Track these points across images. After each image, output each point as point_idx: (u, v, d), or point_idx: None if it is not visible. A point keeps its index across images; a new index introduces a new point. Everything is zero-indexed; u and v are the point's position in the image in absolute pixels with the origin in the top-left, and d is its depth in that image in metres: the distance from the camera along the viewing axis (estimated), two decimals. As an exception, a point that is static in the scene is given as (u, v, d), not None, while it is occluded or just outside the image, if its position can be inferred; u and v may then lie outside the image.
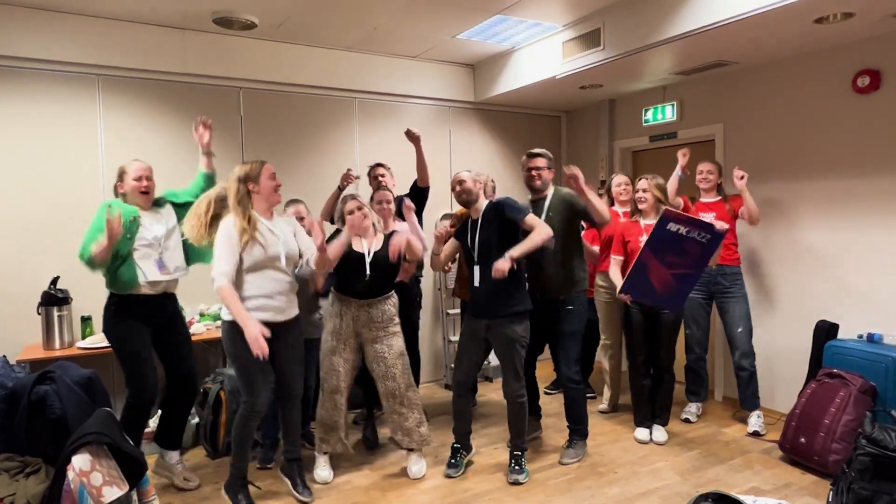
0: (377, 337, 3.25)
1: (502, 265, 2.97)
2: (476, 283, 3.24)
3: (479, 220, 3.26)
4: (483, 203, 3.28)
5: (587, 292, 3.54)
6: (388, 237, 3.30)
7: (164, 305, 3.09)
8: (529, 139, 5.66)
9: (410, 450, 3.37)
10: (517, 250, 3.01)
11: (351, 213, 3.13)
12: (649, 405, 3.81)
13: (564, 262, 3.39)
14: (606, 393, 4.33)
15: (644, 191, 3.69)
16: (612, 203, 4.27)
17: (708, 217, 3.86)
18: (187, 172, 4.15)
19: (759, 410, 3.91)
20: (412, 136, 3.81)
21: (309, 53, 4.54)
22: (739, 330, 3.88)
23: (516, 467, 3.27)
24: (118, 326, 3.00)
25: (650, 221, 3.67)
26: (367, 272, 3.19)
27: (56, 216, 3.83)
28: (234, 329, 2.77)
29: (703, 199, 3.99)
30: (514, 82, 4.81)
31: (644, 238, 3.59)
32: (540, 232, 3.06)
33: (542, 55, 4.51)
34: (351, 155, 4.79)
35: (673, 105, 4.78)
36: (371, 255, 3.23)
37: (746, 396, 3.90)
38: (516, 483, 3.22)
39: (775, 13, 3.12)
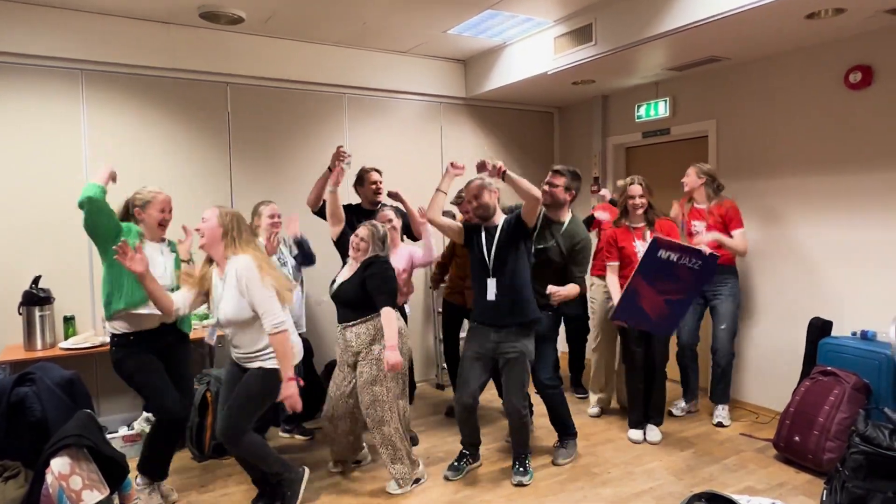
0: (354, 362, 3.14)
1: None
2: (491, 297, 3.09)
3: (497, 231, 3.11)
4: (500, 216, 3.17)
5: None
6: (362, 267, 3.12)
7: (162, 333, 2.95)
8: (522, 135, 5.63)
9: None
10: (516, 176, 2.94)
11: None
12: (644, 407, 3.77)
13: (559, 284, 3.27)
14: (593, 398, 4.27)
15: (640, 196, 3.62)
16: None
17: (699, 226, 3.84)
18: (174, 170, 4.11)
19: (727, 405, 4.01)
20: (394, 196, 3.70)
21: (297, 48, 4.47)
22: (722, 327, 3.91)
23: (520, 468, 3.21)
24: (125, 364, 2.88)
25: (638, 225, 3.65)
26: (331, 298, 3.20)
27: (38, 214, 3.75)
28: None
29: (696, 206, 3.96)
30: (505, 78, 4.77)
31: (637, 244, 3.58)
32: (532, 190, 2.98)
33: (533, 50, 4.46)
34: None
35: (666, 101, 4.74)
36: (336, 286, 3.19)
37: (717, 391, 4.00)
38: (520, 485, 3.16)
39: (767, 9, 3.10)
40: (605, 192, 4.43)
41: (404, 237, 3.83)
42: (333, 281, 3.24)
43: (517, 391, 3.14)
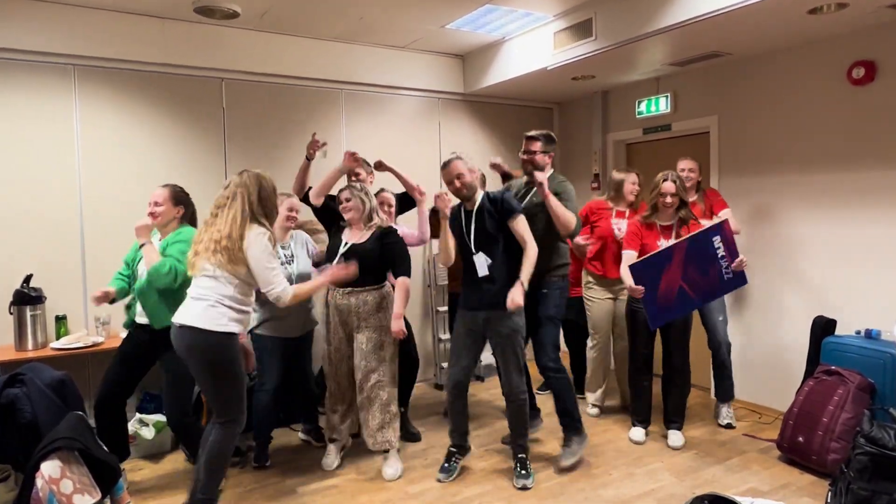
0: (359, 327, 3.19)
1: (518, 297, 2.94)
2: (482, 273, 3.09)
3: (475, 212, 3.15)
4: (479, 194, 3.19)
5: (565, 278, 3.45)
6: (380, 234, 3.20)
7: (142, 332, 3.05)
8: (521, 131, 5.52)
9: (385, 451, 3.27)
10: (525, 274, 3.01)
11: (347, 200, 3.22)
12: (648, 405, 3.72)
13: (545, 251, 3.26)
14: (591, 397, 4.23)
15: (672, 195, 3.44)
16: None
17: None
18: (168, 167, 4.05)
19: (731, 403, 3.99)
20: (380, 167, 3.71)
21: (294, 43, 4.41)
22: (721, 318, 3.88)
23: (522, 471, 3.14)
24: None
25: (667, 223, 3.51)
26: (336, 262, 3.16)
27: (29, 211, 3.69)
28: (232, 340, 2.60)
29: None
30: (504, 73, 4.71)
31: (662, 242, 3.45)
32: (530, 252, 3.05)
33: (533, 46, 4.41)
34: (337, 148, 4.67)
35: (667, 97, 4.69)
36: (347, 246, 3.21)
37: (726, 388, 3.95)
38: (524, 489, 3.09)
39: (769, 3, 3.05)
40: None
41: (395, 222, 3.79)
42: (338, 244, 3.24)
43: (515, 369, 3.13)
